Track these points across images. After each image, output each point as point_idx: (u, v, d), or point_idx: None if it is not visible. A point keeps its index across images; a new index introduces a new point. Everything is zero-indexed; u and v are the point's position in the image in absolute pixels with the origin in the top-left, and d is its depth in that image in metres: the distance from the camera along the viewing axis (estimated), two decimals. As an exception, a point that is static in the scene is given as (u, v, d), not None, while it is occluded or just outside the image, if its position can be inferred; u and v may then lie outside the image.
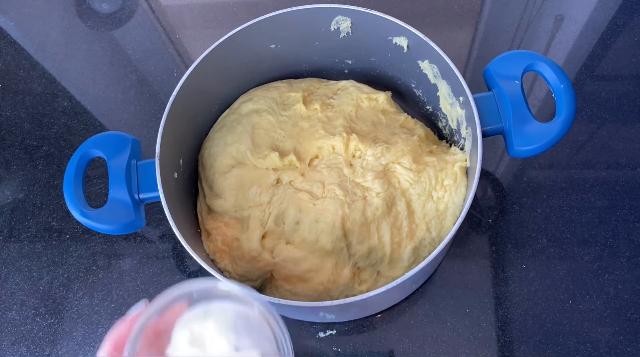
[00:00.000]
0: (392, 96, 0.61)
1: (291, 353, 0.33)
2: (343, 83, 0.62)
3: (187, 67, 0.52)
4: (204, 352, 0.32)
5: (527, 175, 0.64)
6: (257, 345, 0.33)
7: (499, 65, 0.51)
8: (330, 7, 0.54)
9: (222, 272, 0.53)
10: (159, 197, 0.48)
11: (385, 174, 0.53)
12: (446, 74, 0.52)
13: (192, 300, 0.34)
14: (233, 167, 0.56)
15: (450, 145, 0.58)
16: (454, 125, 0.56)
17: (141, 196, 0.50)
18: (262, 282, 0.54)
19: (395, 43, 0.55)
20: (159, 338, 0.33)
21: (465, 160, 0.53)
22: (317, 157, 0.56)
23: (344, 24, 0.56)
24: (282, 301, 0.43)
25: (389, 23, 0.53)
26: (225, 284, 0.33)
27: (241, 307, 0.34)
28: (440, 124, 0.61)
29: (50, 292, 0.62)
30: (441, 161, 0.53)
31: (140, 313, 0.32)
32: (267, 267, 0.52)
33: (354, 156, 0.55)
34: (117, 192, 0.49)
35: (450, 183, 0.52)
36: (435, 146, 0.57)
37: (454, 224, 0.48)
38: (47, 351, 0.59)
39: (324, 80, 0.64)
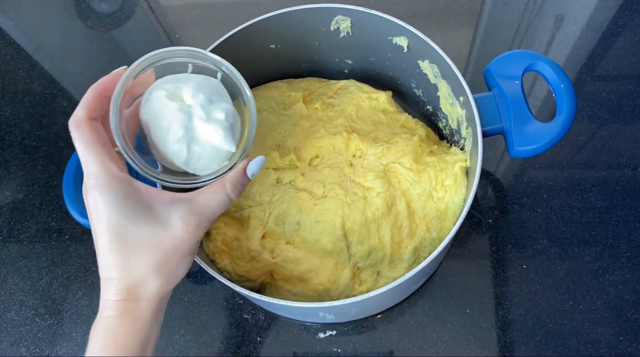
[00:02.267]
0: (392, 96, 0.61)
1: (253, 106, 0.40)
2: (343, 82, 0.62)
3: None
4: (183, 103, 0.37)
5: (527, 176, 0.64)
6: (225, 100, 0.39)
7: (499, 65, 0.51)
8: (330, 7, 0.54)
9: (221, 272, 0.53)
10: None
11: (385, 174, 0.53)
12: (446, 74, 0.52)
13: (157, 70, 0.39)
14: (233, 167, 0.56)
15: (451, 145, 0.58)
16: (454, 125, 0.56)
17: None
18: (262, 282, 0.54)
19: (395, 43, 0.55)
20: (132, 100, 0.38)
21: (466, 161, 0.53)
22: (317, 156, 0.56)
23: (343, 24, 0.56)
24: (282, 302, 0.43)
25: (389, 23, 0.53)
26: (188, 48, 0.39)
27: (203, 77, 0.39)
28: (440, 124, 0.61)
29: (50, 292, 0.62)
30: (441, 161, 0.53)
31: (122, 70, 0.36)
32: (267, 267, 0.52)
33: (354, 156, 0.55)
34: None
35: (451, 183, 0.52)
36: (435, 146, 0.57)
37: (454, 224, 0.48)
38: (46, 352, 0.59)
39: (324, 79, 0.64)
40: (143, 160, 0.37)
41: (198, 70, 0.40)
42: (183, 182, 0.38)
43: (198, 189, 0.38)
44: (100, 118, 0.36)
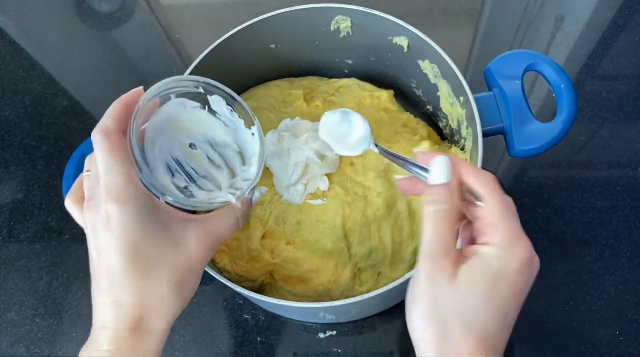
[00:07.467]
0: (393, 96, 0.61)
1: (262, 142, 0.42)
2: (345, 81, 0.61)
3: (186, 67, 0.52)
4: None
5: (527, 176, 0.63)
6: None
7: (500, 64, 0.51)
8: (330, 7, 0.54)
9: (221, 272, 0.53)
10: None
11: (386, 174, 0.53)
12: (446, 74, 0.52)
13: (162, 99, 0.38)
14: (233, 167, 0.55)
15: (451, 145, 0.58)
16: (454, 125, 0.56)
17: (141, 196, 0.49)
18: (262, 282, 0.54)
19: (396, 43, 0.55)
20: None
21: (466, 161, 0.52)
22: (317, 156, 0.56)
23: (344, 24, 0.56)
24: (282, 302, 0.43)
25: (389, 23, 0.53)
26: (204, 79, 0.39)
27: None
28: (440, 124, 0.61)
29: (50, 292, 0.62)
30: (442, 161, 0.53)
31: (140, 90, 0.35)
32: (267, 267, 0.52)
33: (355, 155, 0.55)
34: (117, 192, 0.49)
35: (451, 183, 0.52)
36: (437, 146, 0.57)
37: (454, 224, 0.48)
38: (46, 352, 0.59)
39: (325, 78, 0.64)
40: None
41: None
42: (197, 205, 0.37)
43: (203, 212, 0.38)
44: (124, 132, 0.35)
